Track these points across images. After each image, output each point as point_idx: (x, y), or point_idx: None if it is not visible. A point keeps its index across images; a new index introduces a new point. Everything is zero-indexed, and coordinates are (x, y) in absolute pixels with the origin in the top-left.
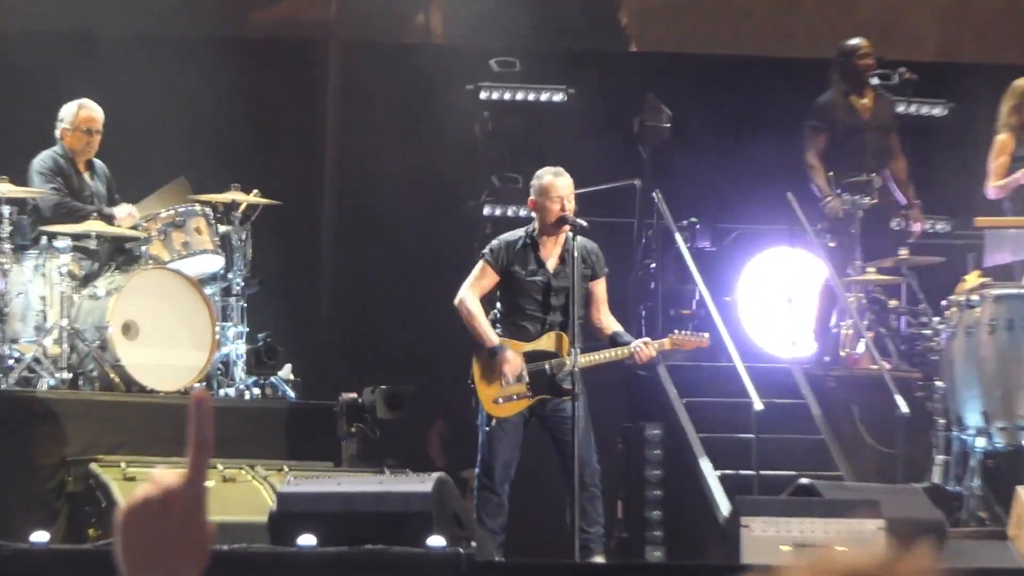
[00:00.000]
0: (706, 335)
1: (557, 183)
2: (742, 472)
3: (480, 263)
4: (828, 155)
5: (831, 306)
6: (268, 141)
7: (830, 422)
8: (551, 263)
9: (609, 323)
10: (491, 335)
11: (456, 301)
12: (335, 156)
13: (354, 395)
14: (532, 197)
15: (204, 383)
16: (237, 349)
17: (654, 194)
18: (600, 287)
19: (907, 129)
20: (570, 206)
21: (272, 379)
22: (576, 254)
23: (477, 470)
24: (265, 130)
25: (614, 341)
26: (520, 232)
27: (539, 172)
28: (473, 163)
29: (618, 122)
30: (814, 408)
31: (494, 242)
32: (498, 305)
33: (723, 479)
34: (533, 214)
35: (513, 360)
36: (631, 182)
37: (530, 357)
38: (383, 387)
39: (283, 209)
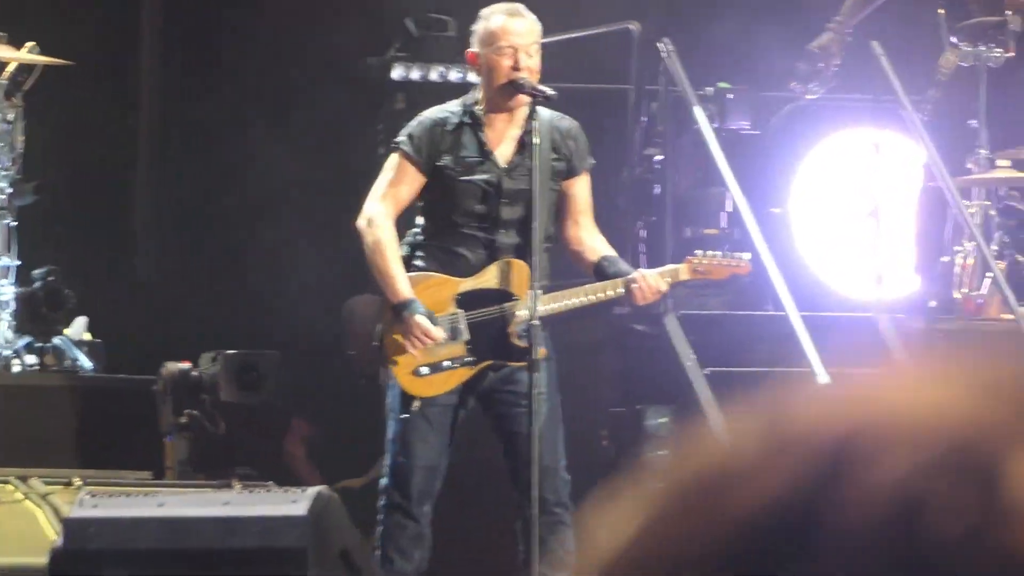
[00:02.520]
0: (746, 256)
1: (511, 25)
2: None
3: (393, 158)
4: None
5: (940, 222)
6: None
7: None
8: (503, 153)
9: (594, 244)
10: (400, 282)
11: (360, 220)
12: None
13: (186, 365)
14: (473, 48)
15: None
16: (1, 294)
17: (660, 44)
18: (581, 188)
19: None
20: (531, 63)
21: (57, 341)
22: (538, 140)
23: (384, 480)
24: None
25: (601, 271)
26: (454, 106)
27: (486, 10)
28: None
29: None
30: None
31: (413, 123)
32: (418, 221)
33: None
34: (473, 76)
35: (426, 328)
36: (623, 26)
37: (470, 299)
38: (231, 352)
39: (75, 74)
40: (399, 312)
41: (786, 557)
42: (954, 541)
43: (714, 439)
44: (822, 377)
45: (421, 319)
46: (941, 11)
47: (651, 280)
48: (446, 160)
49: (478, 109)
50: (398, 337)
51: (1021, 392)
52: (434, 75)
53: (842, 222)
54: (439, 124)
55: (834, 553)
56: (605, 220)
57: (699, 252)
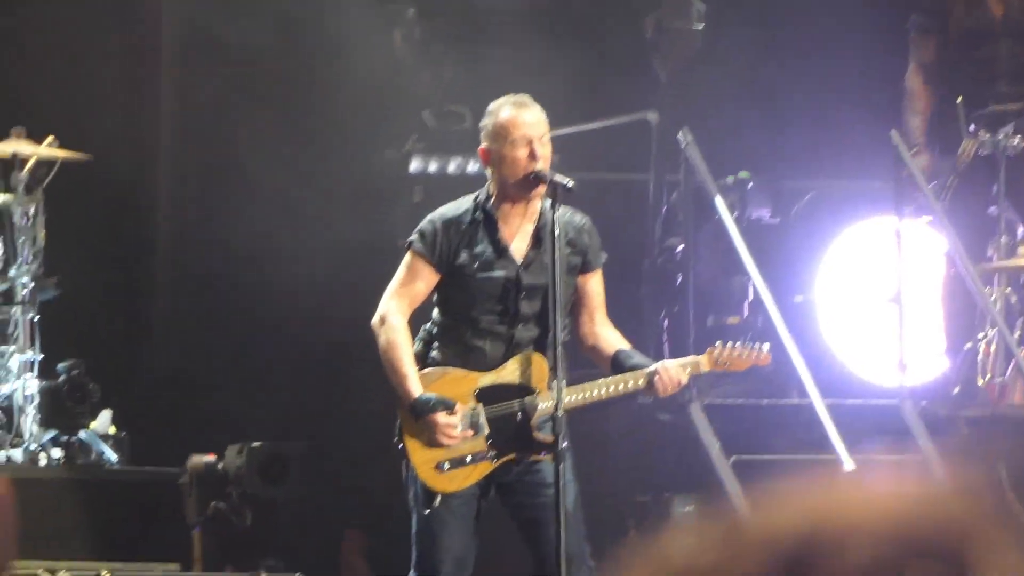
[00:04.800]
0: (767, 347)
1: (521, 118)
2: None
3: (408, 257)
4: (943, 73)
5: (962, 309)
6: (72, 65)
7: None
8: (518, 248)
9: (609, 338)
10: (411, 382)
11: (374, 319)
12: (175, 84)
13: (211, 458)
14: (484, 144)
15: None
16: (26, 388)
17: (680, 135)
18: (595, 283)
19: None
20: (544, 152)
21: (82, 434)
22: (558, 232)
23: (412, 574)
24: (67, 49)
25: (619, 364)
26: (466, 202)
27: (493, 105)
28: (393, 91)
29: (622, 22)
30: (937, 469)
31: (425, 222)
32: (434, 314)
33: None
34: (487, 171)
35: (446, 423)
36: (642, 116)
37: (489, 394)
38: (256, 445)
39: (95, 168)
40: (414, 413)
41: None
42: None
43: (735, 527)
44: (847, 464)
45: (439, 417)
46: (960, 99)
47: (672, 372)
48: (463, 258)
49: (491, 205)
50: (416, 440)
51: (990, 498)
52: (452, 167)
53: (865, 309)
54: (452, 222)
55: None
56: (627, 310)
57: (719, 343)
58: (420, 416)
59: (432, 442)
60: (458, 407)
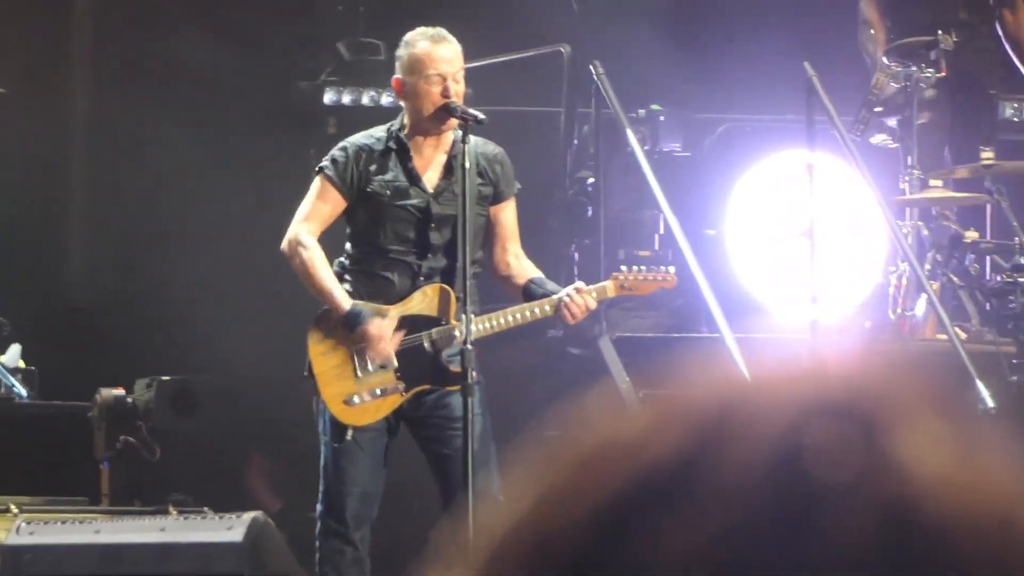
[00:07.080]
0: (671, 269)
1: (436, 52)
2: None
3: (317, 181)
4: (899, 3)
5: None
6: None
7: None
8: (430, 178)
9: (523, 269)
10: (338, 296)
11: (284, 244)
12: (87, 16)
13: (120, 392)
14: (398, 75)
15: None
16: None
17: (592, 67)
18: (508, 213)
19: None
20: (458, 88)
21: None
22: (468, 164)
23: (319, 507)
24: None
25: (530, 293)
26: (380, 131)
27: (408, 37)
28: (308, 23)
29: None
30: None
31: (337, 148)
32: (347, 247)
33: None
34: (401, 102)
35: (386, 333)
36: (555, 48)
37: (397, 326)
38: (165, 379)
39: (7, 102)
40: (348, 325)
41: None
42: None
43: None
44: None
45: (372, 327)
46: (873, 31)
47: (579, 298)
48: (374, 186)
49: (403, 135)
50: (326, 373)
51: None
52: (366, 99)
53: (776, 242)
54: (364, 150)
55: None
56: (538, 242)
57: (624, 268)
58: (354, 328)
59: (349, 360)
60: (390, 312)
